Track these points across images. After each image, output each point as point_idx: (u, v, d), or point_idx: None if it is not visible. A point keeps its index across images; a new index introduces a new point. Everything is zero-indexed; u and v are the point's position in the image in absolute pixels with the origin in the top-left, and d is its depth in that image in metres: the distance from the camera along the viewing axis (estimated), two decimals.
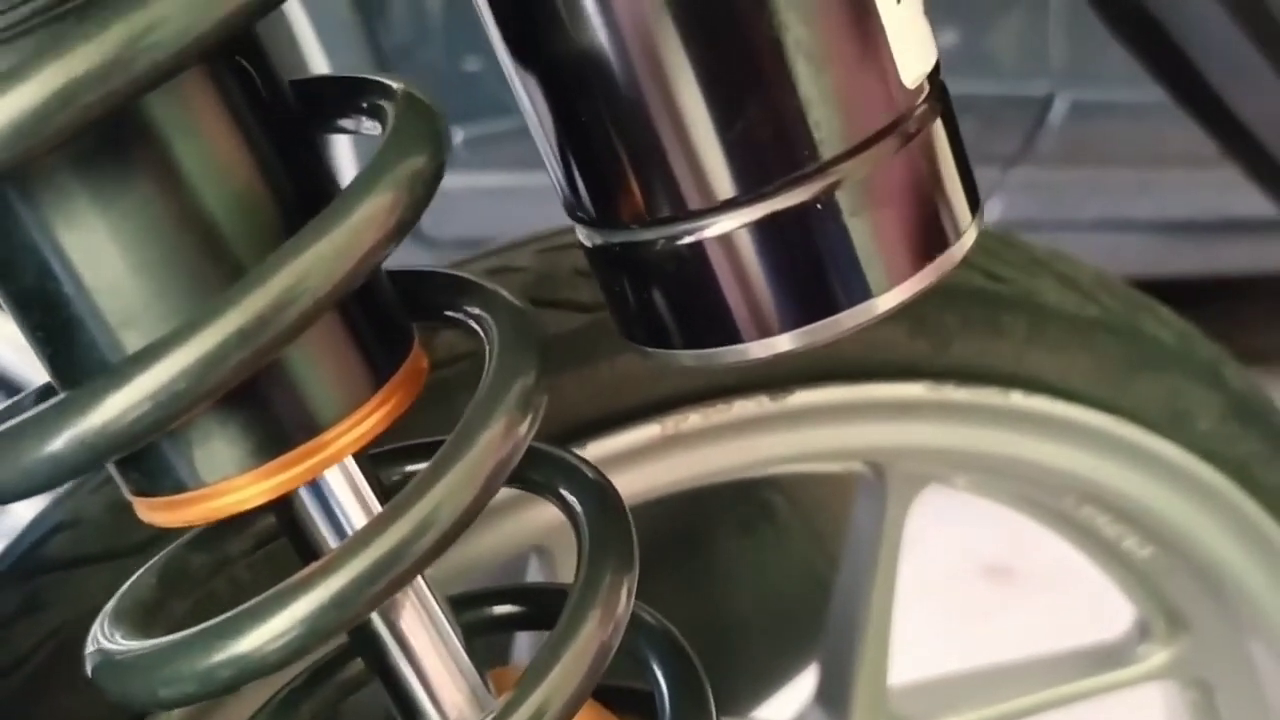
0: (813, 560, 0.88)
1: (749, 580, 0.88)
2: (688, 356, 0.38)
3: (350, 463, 0.37)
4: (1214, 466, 0.75)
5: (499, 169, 1.80)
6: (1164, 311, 0.75)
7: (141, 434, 0.31)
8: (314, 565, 0.33)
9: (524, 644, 0.71)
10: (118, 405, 0.30)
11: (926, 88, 0.37)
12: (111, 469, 0.36)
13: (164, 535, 0.39)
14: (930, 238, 0.37)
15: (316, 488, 0.37)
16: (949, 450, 0.71)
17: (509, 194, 1.82)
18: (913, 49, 0.36)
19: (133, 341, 0.32)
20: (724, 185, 0.35)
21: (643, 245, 0.37)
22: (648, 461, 0.63)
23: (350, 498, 0.37)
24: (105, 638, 0.36)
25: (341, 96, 0.37)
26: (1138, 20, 0.73)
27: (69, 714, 0.52)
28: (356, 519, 0.37)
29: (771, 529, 0.88)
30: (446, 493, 0.34)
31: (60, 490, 0.56)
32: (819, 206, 0.36)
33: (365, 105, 0.36)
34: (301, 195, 0.34)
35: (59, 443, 0.31)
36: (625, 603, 0.39)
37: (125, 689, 0.35)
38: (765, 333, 0.37)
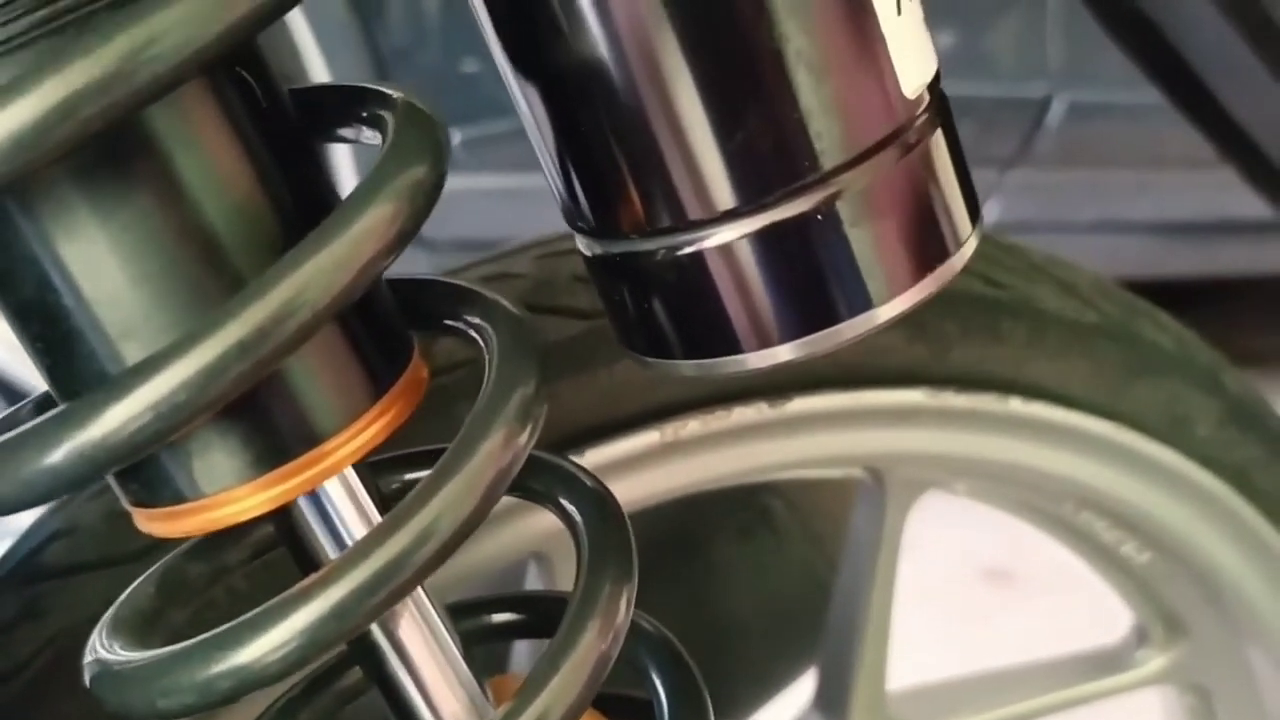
0: (812, 565, 0.88)
1: (748, 585, 0.88)
2: (688, 366, 0.38)
3: (350, 473, 0.37)
4: (1212, 472, 0.75)
5: (498, 171, 1.80)
6: (1162, 317, 0.75)
7: (141, 446, 0.31)
8: (314, 576, 0.33)
9: (522, 651, 0.71)
10: (118, 417, 0.30)
11: (927, 98, 0.37)
12: (110, 479, 0.36)
13: (161, 543, 0.39)
14: (930, 248, 0.37)
15: (316, 498, 0.37)
16: (948, 456, 0.71)
17: (508, 196, 1.81)
18: (913, 59, 0.36)
19: (133, 353, 0.32)
20: (724, 196, 0.35)
21: (643, 255, 0.37)
22: (647, 468, 0.63)
23: (350, 508, 0.37)
24: (103, 648, 0.36)
25: (341, 106, 0.37)
26: (1133, 22, 0.73)
27: None
28: (356, 529, 0.37)
29: (771, 534, 0.88)
30: (446, 504, 0.34)
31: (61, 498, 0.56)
32: (819, 217, 0.35)
33: (365, 115, 0.36)
34: (301, 206, 0.34)
35: (58, 455, 0.30)
36: (625, 612, 0.39)
37: (123, 700, 0.35)
38: (765, 343, 0.37)
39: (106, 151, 0.31)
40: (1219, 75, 0.74)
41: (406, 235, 0.32)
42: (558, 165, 0.37)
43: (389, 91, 0.36)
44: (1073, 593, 1.15)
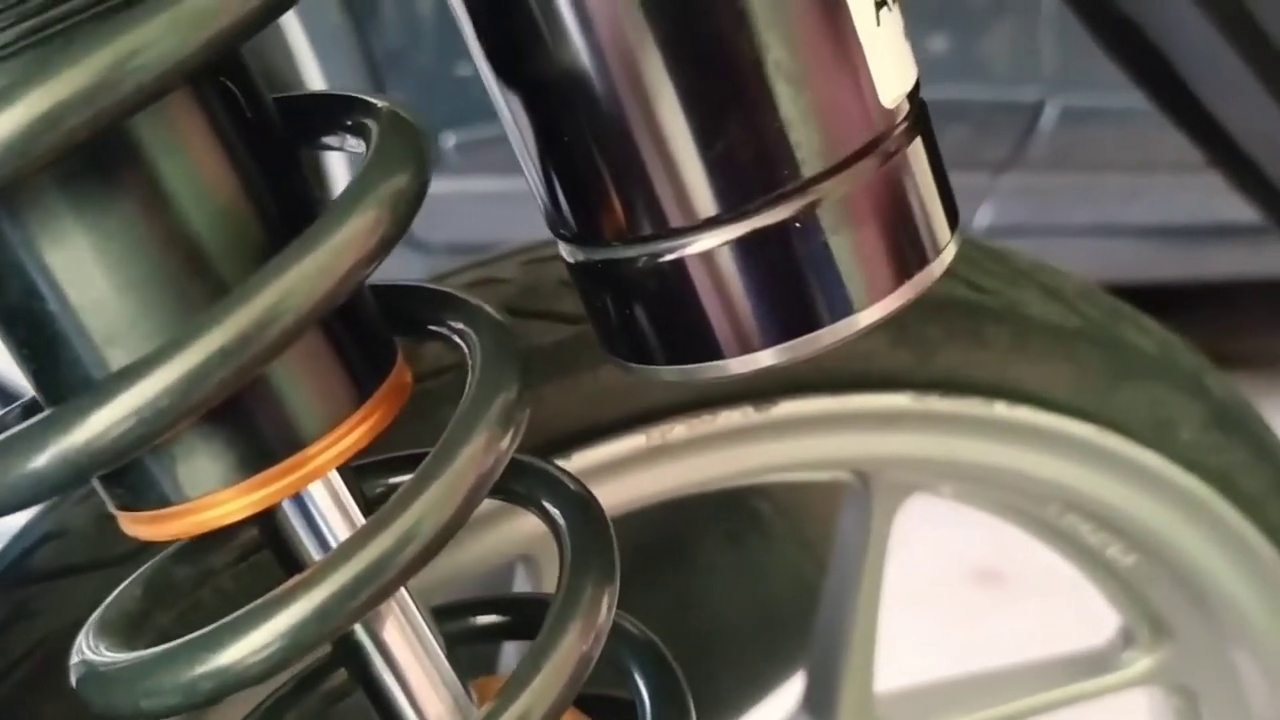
0: (801, 567, 0.88)
1: (738, 588, 0.88)
2: (670, 372, 0.39)
3: (334, 477, 0.38)
4: (1196, 475, 0.75)
5: (490, 174, 1.80)
6: (1146, 321, 0.75)
7: (125, 450, 0.31)
8: (296, 578, 0.34)
9: (511, 653, 0.72)
10: (102, 422, 0.30)
11: (906, 107, 0.37)
12: (96, 483, 0.36)
13: (149, 546, 0.39)
14: (909, 255, 0.38)
15: (300, 501, 0.37)
16: (933, 460, 0.71)
17: (500, 199, 1.81)
18: (892, 70, 0.36)
19: (117, 359, 0.32)
20: (705, 203, 0.36)
21: (624, 262, 0.37)
22: (633, 472, 0.63)
23: (334, 511, 0.38)
24: (89, 649, 0.37)
25: (326, 114, 0.37)
26: (1117, 24, 0.73)
27: None
28: (340, 533, 0.38)
29: (761, 537, 0.89)
30: (428, 507, 0.34)
31: (48, 501, 0.56)
32: (799, 225, 0.36)
33: (350, 123, 0.36)
34: (285, 214, 0.34)
35: (43, 459, 0.31)
36: (606, 613, 0.39)
37: (108, 700, 0.35)
38: (746, 349, 0.37)
39: (92, 160, 0.31)
40: (1203, 78, 0.74)
41: (389, 242, 0.33)
42: (540, 173, 0.38)
43: (374, 100, 0.36)
44: (1062, 594, 1.15)
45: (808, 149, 0.35)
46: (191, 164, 0.32)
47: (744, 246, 0.36)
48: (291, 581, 0.34)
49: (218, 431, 0.34)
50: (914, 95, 0.38)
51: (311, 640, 0.33)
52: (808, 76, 0.35)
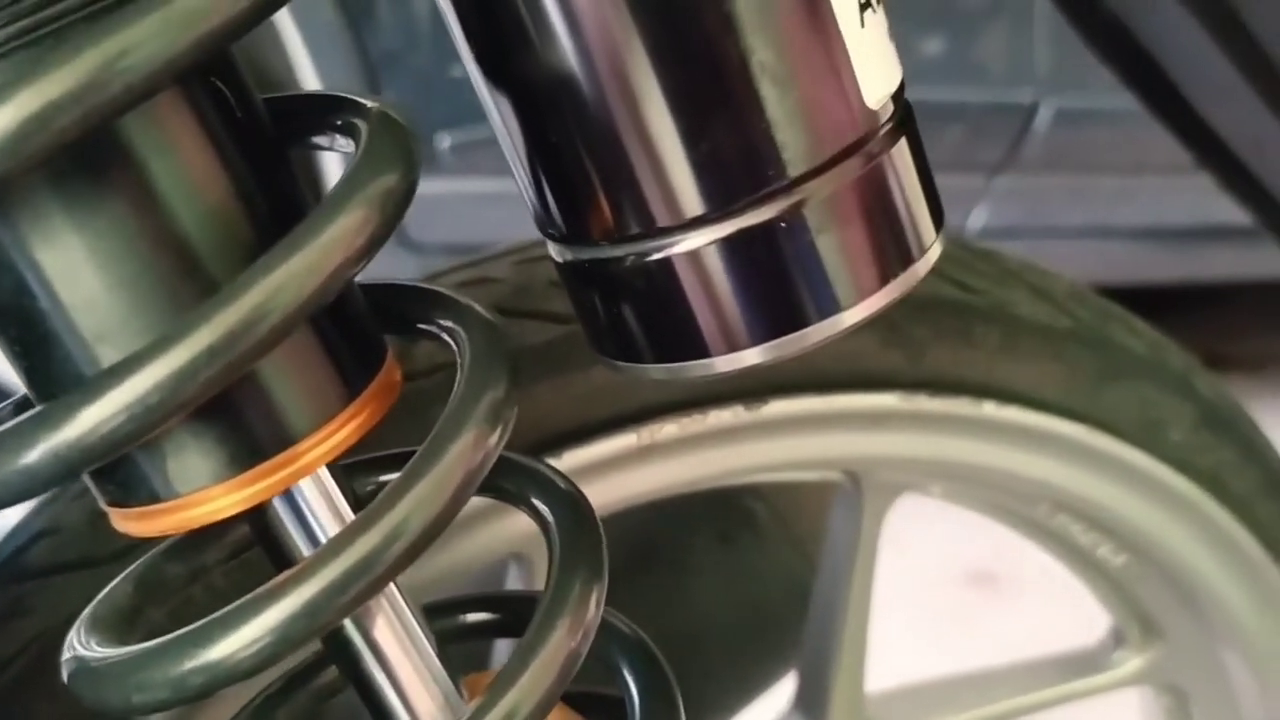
0: (793, 566, 0.88)
1: (731, 587, 0.89)
2: (657, 370, 0.39)
3: (324, 473, 0.38)
4: (1186, 476, 0.76)
5: (485, 174, 1.80)
6: (1136, 322, 0.75)
7: (115, 446, 0.31)
8: (285, 574, 0.34)
9: (503, 649, 0.72)
10: (92, 418, 0.31)
11: (891, 108, 0.38)
12: (87, 480, 0.36)
13: (142, 543, 0.39)
14: (894, 254, 0.38)
15: (290, 498, 0.38)
16: (923, 460, 0.72)
17: (495, 199, 1.81)
18: (876, 71, 0.37)
19: (107, 356, 0.33)
20: (691, 203, 0.36)
21: (612, 261, 0.38)
22: (624, 471, 0.64)
23: (323, 508, 0.38)
24: (80, 645, 0.37)
25: (316, 114, 0.38)
26: (1110, 29, 0.74)
27: (50, 719, 0.53)
28: (330, 529, 0.38)
29: (753, 537, 0.89)
30: (416, 503, 0.35)
31: (41, 498, 0.56)
32: (784, 224, 0.36)
33: (339, 123, 0.37)
34: (274, 213, 0.35)
35: (34, 455, 0.31)
36: (594, 610, 0.40)
37: (99, 695, 0.35)
38: (733, 347, 0.38)
39: (82, 159, 0.31)
40: (1193, 80, 0.75)
41: (377, 241, 0.33)
42: (528, 173, 0.38)
43: (363, 100, 0.36)
44: (1056, 594, 1.15)
45: (793, 149, 0.36)
46: (181, 163, 0.33)
47: (730, 246, 0.36)
48: (281, 577, 0.34)
49: (208, 428, 0.34)
50: (899, 96, 0.38)
51: (301, 636, 0.34)
52: (793, 77, 0.35)
